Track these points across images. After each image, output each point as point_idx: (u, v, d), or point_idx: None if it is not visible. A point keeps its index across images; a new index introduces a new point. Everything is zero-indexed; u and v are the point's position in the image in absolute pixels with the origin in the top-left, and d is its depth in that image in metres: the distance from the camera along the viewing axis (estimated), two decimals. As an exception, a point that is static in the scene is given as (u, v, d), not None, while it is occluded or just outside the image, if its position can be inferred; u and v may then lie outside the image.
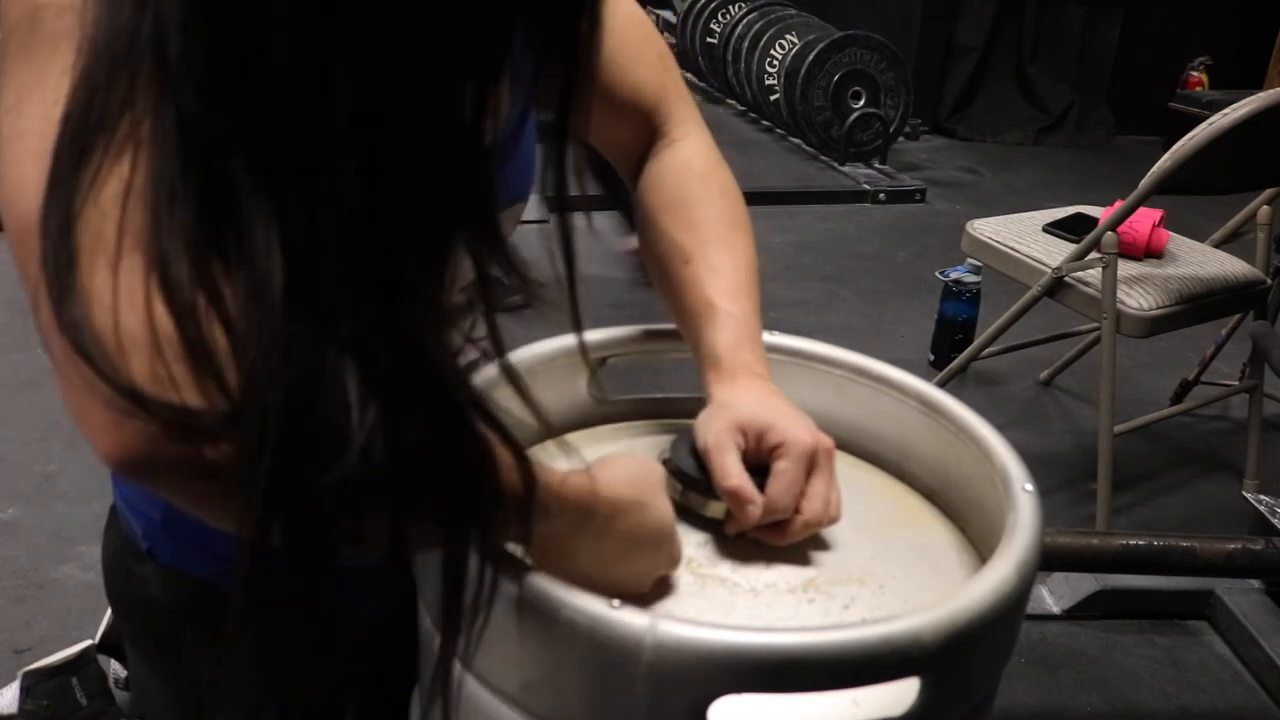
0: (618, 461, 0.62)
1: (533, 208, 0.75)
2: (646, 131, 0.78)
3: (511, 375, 0.52)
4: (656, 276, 0.76)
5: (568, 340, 0.81)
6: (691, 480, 0.69)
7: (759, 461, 0.67)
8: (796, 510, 0.66)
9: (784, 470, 0.65)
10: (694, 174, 0.76)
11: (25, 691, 1.46)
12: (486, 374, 0.73)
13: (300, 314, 0.42)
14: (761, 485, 0.66)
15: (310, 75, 0.39)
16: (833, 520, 0.68)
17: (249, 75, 0.40)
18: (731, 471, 0.65)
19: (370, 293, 0.43)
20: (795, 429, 0.66)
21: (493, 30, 0.43)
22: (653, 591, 0.64)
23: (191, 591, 0.71)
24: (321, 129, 0.40)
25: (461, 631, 0.53)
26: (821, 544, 0.70)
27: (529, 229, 0.61)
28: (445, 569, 0.52)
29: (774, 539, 0.67)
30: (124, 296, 0.42)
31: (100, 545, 0.79)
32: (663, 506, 0.61)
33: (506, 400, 0.52)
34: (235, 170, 0.41)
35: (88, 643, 1.48)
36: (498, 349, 0.51)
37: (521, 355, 0.79)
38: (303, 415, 0.43)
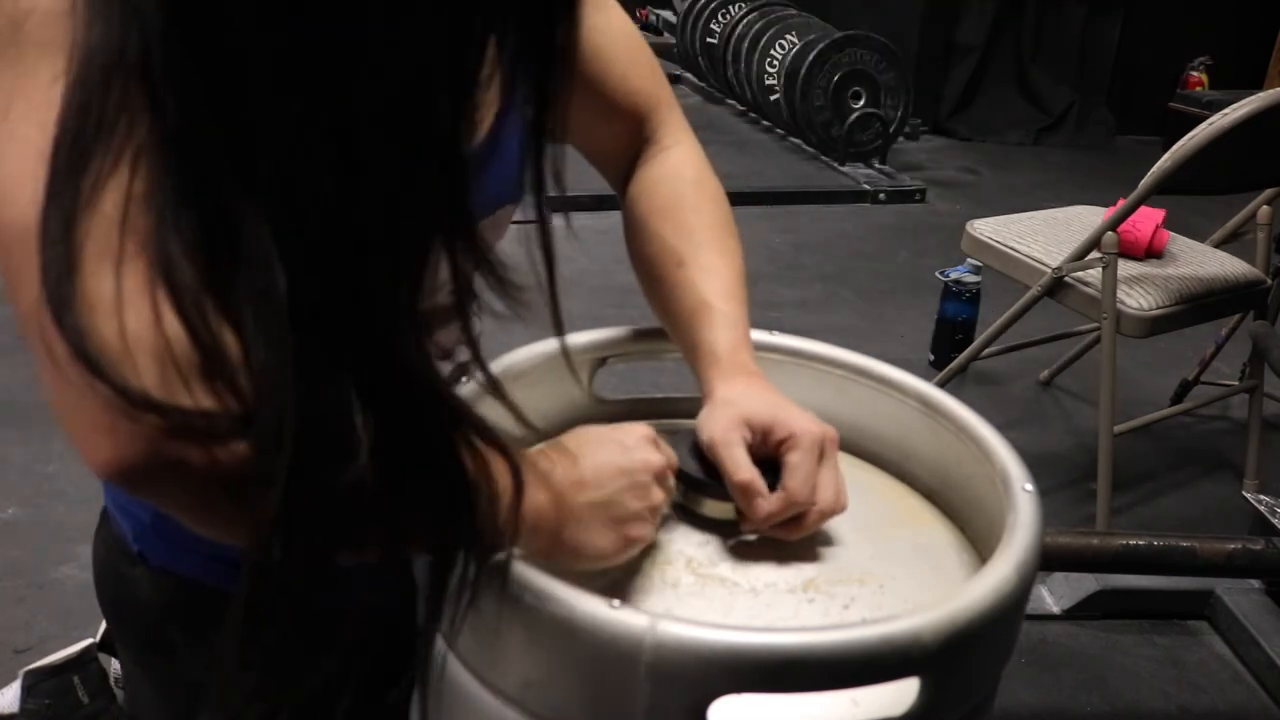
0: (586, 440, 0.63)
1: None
2: (638, 137, 0.78)
3: (491, 381, 0.52)
4: (647, 278, 0.76)
5: (568, 341, 0.81)
6: (693, 481, 0.69)
7: (764, 455, 0.67)
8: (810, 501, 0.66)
9: (799, 463, 0.65)
10: (686, 181, 0.77)
11: (26, 691, 1.47)
12: (472, 381, 0.73)
13: (304, 319, 0.42)
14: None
15: (282, 81, 0.40)
16: (843, 508, 0.68)
17: (226, 83, 0.40)
18: (741, 465, 0.65)
19: (345, 297, 0.43)
20: (802, 421, 0.67)
21: (463, 32, 0.43)
22: (653, 592, 0.65)
23: (181, 593, 0.71)
24: (296, 137, 0.40)
25: (443, 619, 0.53)
26: (822, 544, 0.70)
27: (517, 230, 0.61)
28: (433, 569, 0.53)
29: (789, 534, 0.67)
30: (129, 302, 0.42)
31: (98, 546, 0.79)
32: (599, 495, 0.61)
33: (493, 407, 0.53)
34: (225, 178, 0.41)
35: (89, 641, 1.48)
36: (475, 354, 0.52)
37: (521, 355, 0.79)
38: (316, 417, 0.43)
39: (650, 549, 0.67)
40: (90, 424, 0.44)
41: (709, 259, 0.73)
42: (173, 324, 0.42)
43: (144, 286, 0.42)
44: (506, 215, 0.72)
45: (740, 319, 0.72)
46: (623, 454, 0.62)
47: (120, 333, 0.42)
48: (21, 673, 1.49)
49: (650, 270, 0.76)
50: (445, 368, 0.77)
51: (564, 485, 0.59)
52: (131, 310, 0.42)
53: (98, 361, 0.42)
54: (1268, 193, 2.29)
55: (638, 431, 0.64)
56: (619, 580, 0.64)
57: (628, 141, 0.78)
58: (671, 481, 0.65)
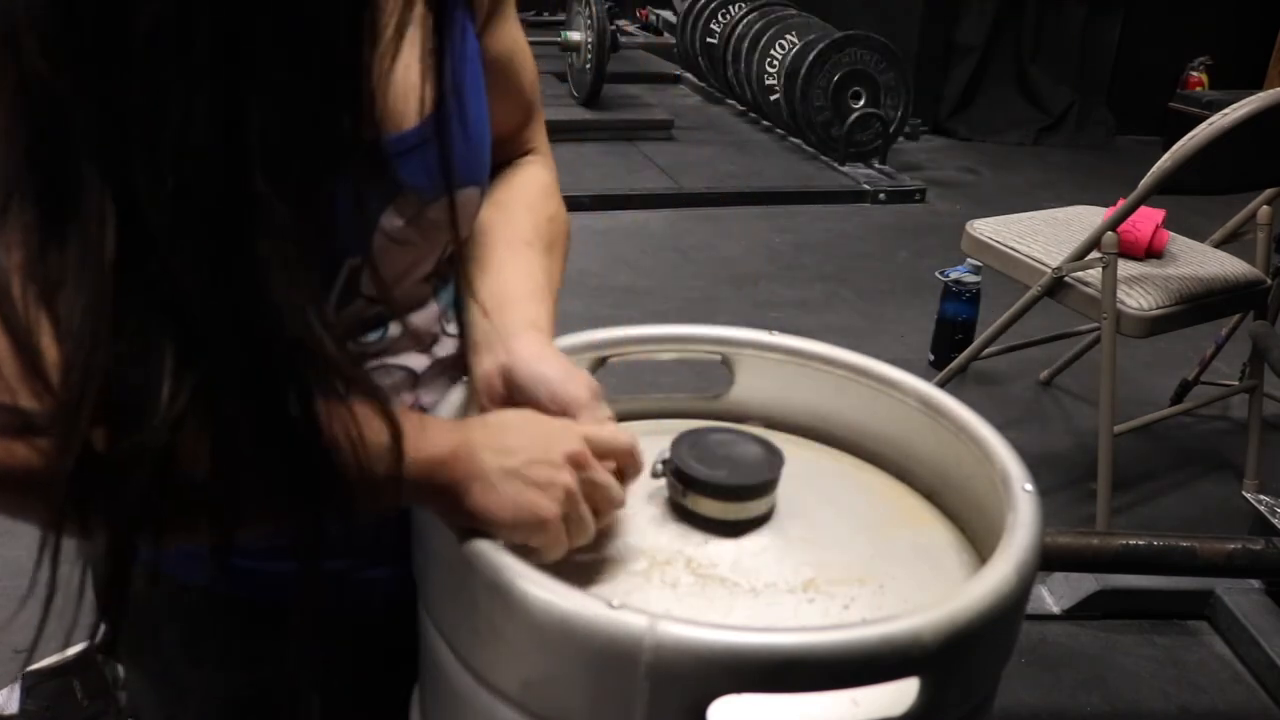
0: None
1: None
2: (520, 134, 0.82)
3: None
4: (479, 237, 0.77)
5: (567, 341, 0.81)
6: (693, 481, 0.69)
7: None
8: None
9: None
10: (551, 193, 0.82)
11: (26, 692, 1.46)
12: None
13: (131, 278, 0.43)
14: None
15: (170, 9, 0.40)
16: None
17: (104, 17, 0.40)
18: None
19: (215, 238, 0.43)
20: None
21: None
22: (653, 592, 0.65)
23: (172, 593, 0.71)
24: (178, 64, 0.41)
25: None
26: (822, 544, 0.70)
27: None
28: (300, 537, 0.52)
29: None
30: None
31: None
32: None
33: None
34: (75, 133, 0.41)
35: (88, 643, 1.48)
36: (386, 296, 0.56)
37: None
38: (121, 381, 0.43)
39: (638, 548, 0.67)
40: None
41: (555, 266, 0.77)
42: None
43: None
44: (471, 197, 0.71)
45: (552, 318, 0.74)
46: (542, 430, 0.63)
47: None
48: (21, 674, 1.49)
49: (489, 234, 0.76)
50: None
51: (477, 443, 0.60)
52: None
53: None
54: (1268, 193, 2.29)
55: (565, 420, 0.65)
56: (617, 580, 0.64)
57: (511, 134, 0.81)
58: (596, 475, 0.62)
